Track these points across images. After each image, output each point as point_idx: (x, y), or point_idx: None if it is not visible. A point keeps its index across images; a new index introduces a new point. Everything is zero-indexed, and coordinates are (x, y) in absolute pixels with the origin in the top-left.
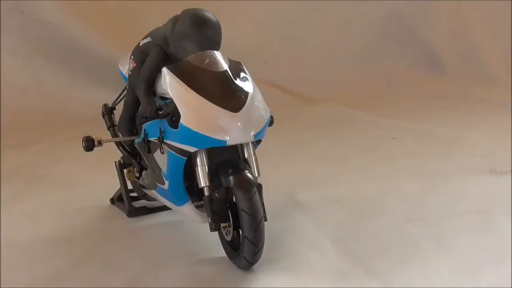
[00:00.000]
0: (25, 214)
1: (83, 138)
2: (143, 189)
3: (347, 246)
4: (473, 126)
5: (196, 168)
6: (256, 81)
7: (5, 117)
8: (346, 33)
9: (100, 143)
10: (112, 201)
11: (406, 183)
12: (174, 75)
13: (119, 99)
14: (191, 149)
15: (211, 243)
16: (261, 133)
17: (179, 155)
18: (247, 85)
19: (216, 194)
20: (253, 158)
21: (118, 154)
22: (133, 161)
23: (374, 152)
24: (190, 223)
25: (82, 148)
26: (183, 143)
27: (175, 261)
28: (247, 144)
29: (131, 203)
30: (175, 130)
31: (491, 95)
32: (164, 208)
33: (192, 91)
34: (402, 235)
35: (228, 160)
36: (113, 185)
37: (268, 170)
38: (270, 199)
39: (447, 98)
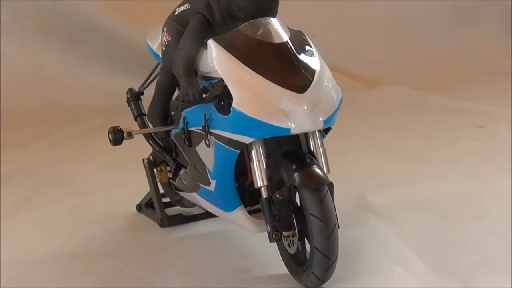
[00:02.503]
0: (34, 225)
1: (110, 129)
2: (179, 193)
3: (439, 258)
4: None
5: (252, 163)
6: None
7: (1, 110)
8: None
9: (130, 134)
10: (139, 208)
11: (503, 181)
12: (223, 48)
13: (148, 81)
14: (246, 139)
15: (267, 258)
16: (331, 119)
17: (230, 148)
18: (313, 60)
19: (277, 196)
20: (321, 150)
21: (143, 151)
22: (167, 157)
23: (458, 143)
24: (239, 234)
25: (109, 141)
26: (236, 133)
27: (222, 279)
28: (314, 133)
29: (164, 210)
30: (225, 116)
31: None
32: (205, 216)
33: (247, 67)
34: (507, 243)
35: (291, 154)
36: (139, 189)
37: (331, 166)
38: (338, 202)
39: None
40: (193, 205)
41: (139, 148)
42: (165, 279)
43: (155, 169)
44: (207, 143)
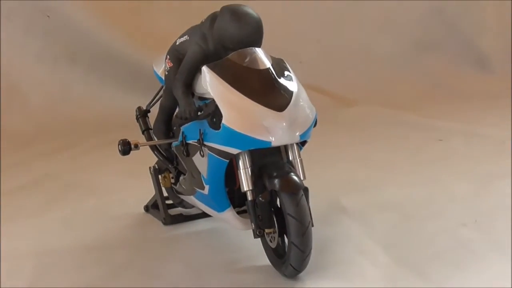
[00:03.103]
0: (59, 222)
1: (119, 141)
2: (180, 196)
3: (400, 252)
4: None
5: (238, 171)
6: None
7: (34, 124)
8: (384, 32)
9: (136, 146)
10: (147, 208)
11: (457, 186)
12: (214, 74)
13: (153, 101)
14: (234, 151)
15: (253, 251)
16: (306, 134)
17: (220, 158)
18: (291, 84)
19: (260, 198)
20: (298, 160)
21: (151, 160)
22: (170, 166)
23: (420, 154)
24: (230, 231)
25: (118, 152)
26: (225, 145)
27: (216, 270)
28: (292, 145)
29: (167, 210)
30: (216, 131)
31: None
32: (202, 215)
33: (235, 89)
34: (458, 239)
35: (272, 163)
36: (147, 193)
37: (308, 174)
38: (313, 204)
39: (495, 97)
40: (192, 206)
41: (148, 159)
42: (167, 269)
43: (160, 176)
44: (202, 154)
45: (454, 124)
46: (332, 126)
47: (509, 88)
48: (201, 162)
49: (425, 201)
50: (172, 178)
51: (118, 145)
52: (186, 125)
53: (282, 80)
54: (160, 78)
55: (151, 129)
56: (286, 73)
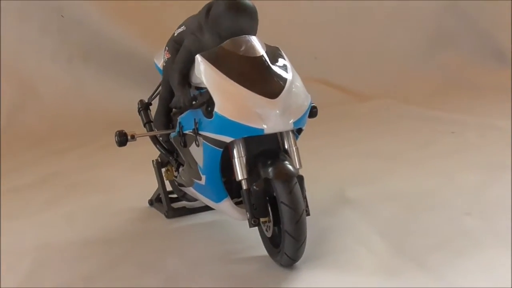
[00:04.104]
0: (62, 218)
1: (116, 132)
2: (182, 188)
3: (399, 241)
4: None
5: (233, 160)
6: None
7: (48, 122)
8: (398, 26)
9: (133, 137)
10: (151, 202)
11: (465, 177)
12: (208, 62)
13: (155, 94)
14: (227, 139)
15: (252, 242)
16: (301, 121)
17: (214, 147)
18: (285, 71)
19: (254, 187)
20: (293, 148)
21: (155, 156)
22: (170, 158)
23: (432, 147)
24: (231, 223)
25: (115, 143)
26: (218, 133)
27: (213, 260)
28: (287, 133)
29: (170, 203)
30: (209, 119)
31: None
32: (205, 208)
33: (227, 77)
34: (459, 229)
35: (267, 151)
36: (152, 188)
37: (319, 167)
38: (319, 196)
39: (509, 91)
40: (195, 199)
41: (153, 156)
42: (164, 262)
43: (163, 169)
44: (197, 143)
45: (467, 117)
46: (345, 121)
47: None
48: (197, 152)
49: (430, 192)
50: (175, 170)
51: (115, 136)
52: (182, 115)
53: (275, 68)
54: (160, 71)
55: (151, 121)
56: (280, 60)
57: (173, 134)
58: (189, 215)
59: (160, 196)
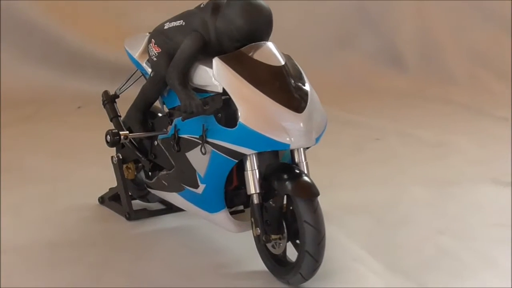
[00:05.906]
0: (6, 212)
1: (108, 131)
2: (151, 190)
3: (388, 259)
4: (450, 129)
5: (246, 172)
6: None
7: None
8: (305, 25)
9: (126, 138)
10: (101, 200)
11: (414, 190)
12: (229, 67)
13: (124, 86)
14: (248, 151)
15: (239, 255)
16: (320, 137)
17: (228, 157)
18: (303, 83)
19: (271, 203)
20: (304, 163)
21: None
22: (143, 158)
23: (363, 153)
24: (201, 230)
25: (106, 143)
26: (238, 144)
27: (206, 273)
28: (299, 148)
29: (132, 205)
30: (228, 128)
31: (451, 95)
32: (168, 211)
33: (251, 85)
34: (441, 248)
35: (278, 165)
36: (95, 181)
37: None
38: None
39: (407, 96)
40: (157, 200)
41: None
42: (150, 273)
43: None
44: (203, 151)
45: (379, 121)
46: None
47: (420, 87)
48: (199, 159)
49: (389, 204)
50: (136, 170)
51: (106, 135)
52: (178, 118)
53: (295, 79)
54: (135, 61)
55: (119, 116)
56: (297, 71)
57: (161, 136)
58: (149, 218)
59: (116, 194)
